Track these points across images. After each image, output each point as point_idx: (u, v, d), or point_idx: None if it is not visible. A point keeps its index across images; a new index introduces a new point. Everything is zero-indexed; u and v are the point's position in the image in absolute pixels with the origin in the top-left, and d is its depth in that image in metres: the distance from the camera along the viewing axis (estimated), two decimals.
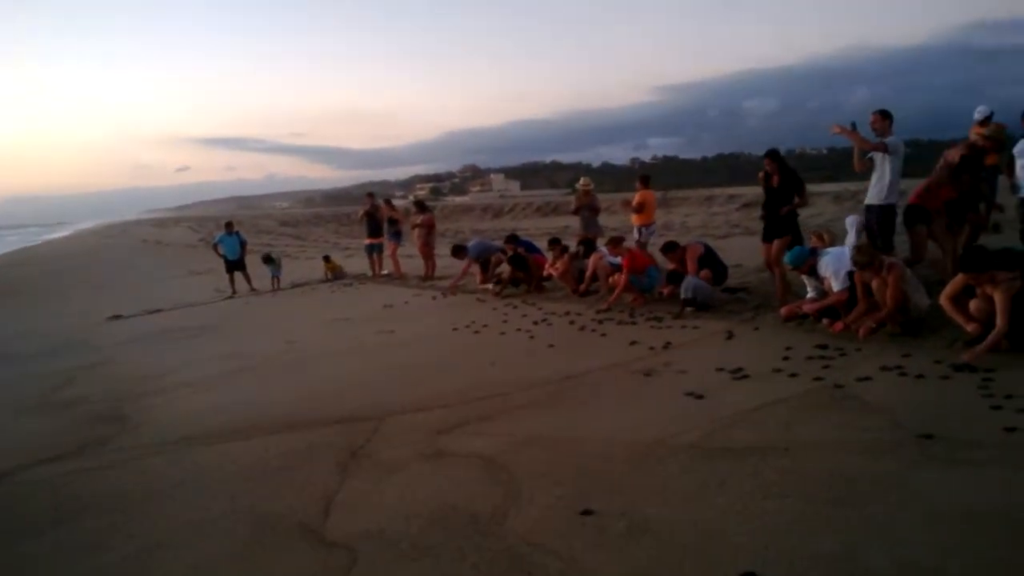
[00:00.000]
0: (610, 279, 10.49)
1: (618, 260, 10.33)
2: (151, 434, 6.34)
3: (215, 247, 17.91)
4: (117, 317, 14.72)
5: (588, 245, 11.72)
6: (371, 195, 17.35)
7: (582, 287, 11.15)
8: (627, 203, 13.66)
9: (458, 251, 13.91)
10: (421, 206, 17.01)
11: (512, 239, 13.08)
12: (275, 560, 3.78)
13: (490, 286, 12.70)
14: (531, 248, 12.89)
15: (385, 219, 16.36)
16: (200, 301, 16.15)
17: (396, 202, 21.22)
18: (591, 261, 11.01)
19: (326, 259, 18.59)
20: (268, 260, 17.60)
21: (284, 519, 4.24)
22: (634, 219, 13.48)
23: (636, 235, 13.36)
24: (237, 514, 4.41)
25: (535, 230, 26.52)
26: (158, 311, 15.07)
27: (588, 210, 13.78)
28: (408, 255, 17.11)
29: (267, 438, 5.82)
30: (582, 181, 14.25)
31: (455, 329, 9.66)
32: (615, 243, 10.45)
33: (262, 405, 6.92)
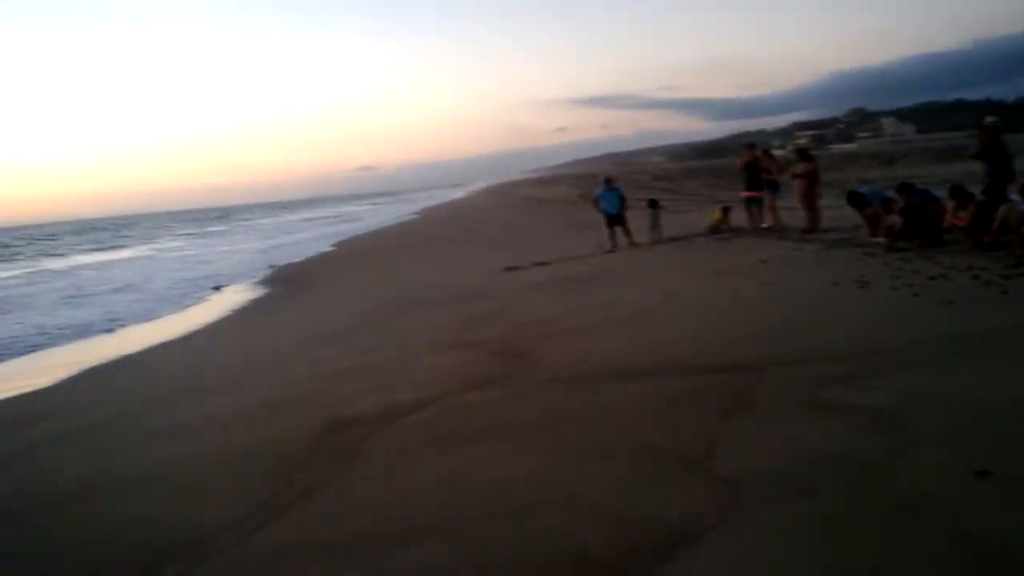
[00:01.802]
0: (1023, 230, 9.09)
1: None
2: (549, 372, 7.00)
3: (595, 202, 18.64)
4: (511, 269, 16.06)
5: (995, 192, 10.27)
6: (750, 146, 16.83)
7: (987, 239, 9.97)
8: None
9: (856, 199, 12.94)
10: (804, 154, 16.13)
11: (905, 187, 11.92)
12: (658, 489, 4.08)
13: (880, 240, 11.71)
14: (928, 197, 11.58)
15: (764, 171, 15.76)
16: (582, 254, 17.02)
17: (774, 152, 20.25)
18: (1000, 210, 9.69)
19: (725, 209, 18.05)
20: (653, 205, 17.92)
21: (668, 453, 4.55)
22: None
23: None
24: (623, 444, 4.82)
25: (933, 178, 23.74)
26: (545, 263, 16.17)
27: (994, 153, 11.90)
28: (787, 208, 16.34)
29: (652, 380, 6.18)
30: (989, 119, 12.39)
31: (836, 284, 9.18)
32: None
33: (646, 350, 7.32)
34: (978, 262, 9.18)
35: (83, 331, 15.32)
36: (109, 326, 15.74)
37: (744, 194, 16.47)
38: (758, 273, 10.85)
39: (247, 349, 11.55)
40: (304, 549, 4.00)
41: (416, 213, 59.18)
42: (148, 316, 16.88)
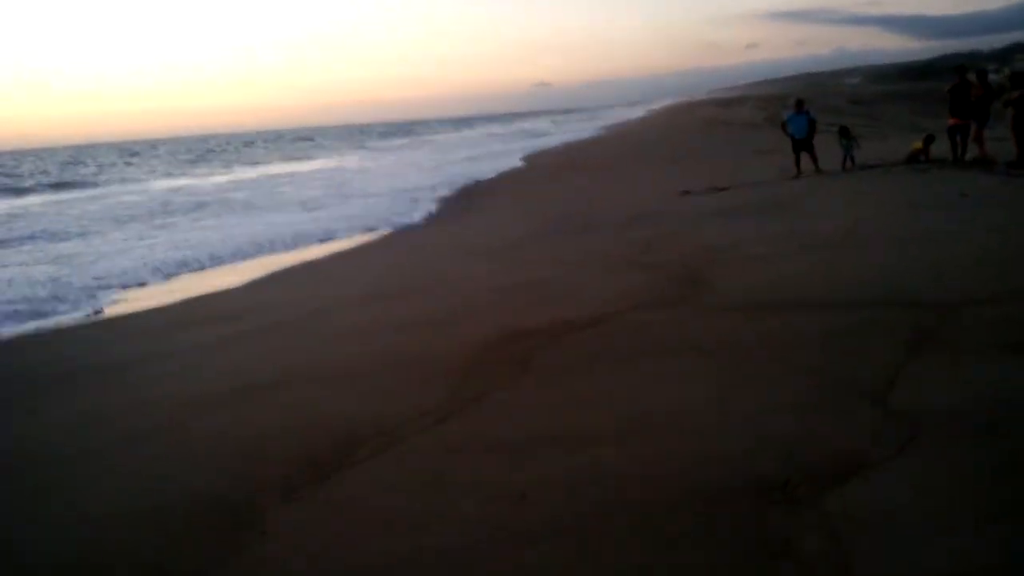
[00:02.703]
0: None
1: None
2: (725, 298, 7.01)
3: (783, 125, 17.93)
4: (687, 193, 15.87)
5: None
6: (961, 68, 15.48)
7: None
8: None
9: None
10: (1018, 79, 14.62)
11: None
12: (834, 418, 4.11)
13: None
14: None
15: (975, 97, 14.50)
16: (764, 180, 16.52)
17: (990, 77, 18.46)
18: None
19: (928, 138, 16.46)
20: (844, 134, 17.03)
21: (846, 384, 4.52)
22: None
23: None
24: (799, 372, 4.85)
25: None
26: (724, 189, 15.83)
27: None
28: (997, 138, 15.03)
29: (832, 312, 6.08)
30: None
31: None
32: None
33: (826, 282, 7.17)
34: None
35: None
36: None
37: (950, 122, 15.26)
38: (955, 208, 10.24)
39: (426, 261, 12.28)
40: (480, 442, 4.36)
41: (595, 132, 58.91)
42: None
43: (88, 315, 10.21)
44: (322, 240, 15.76)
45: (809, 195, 13.71)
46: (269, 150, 75.91)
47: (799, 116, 17.08)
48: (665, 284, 7.81)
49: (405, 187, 25.95)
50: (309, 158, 57.98)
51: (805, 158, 16.82)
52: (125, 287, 11.95)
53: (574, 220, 14.16)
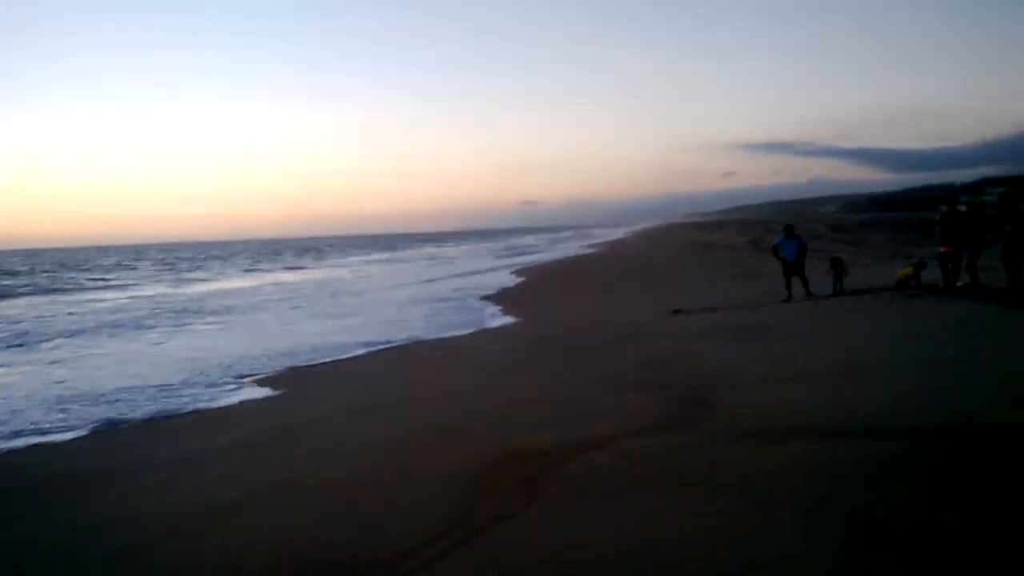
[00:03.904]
0: None
1: None
2: (732, 422, 6.69)
3: (774, 249, 18.09)
4: (679, 312, 15.81)
5: None
6: (951, 197, 15.79)
7: None
8: None
9: None
10: (1010, 211, 14.84)
11: None
12: (880, 566, 3.69)
13: None
14: None
15: (964, 226, 14.67)
16: (754, 303, 16.49)
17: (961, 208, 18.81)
18: None
19: (919, 265, 16.66)
20: (836, 265, 17.11)
21: (886, 525, 4.13)
22: None
23: None
24: (827, 509, 4.44)
25: None
26: (715, 310, 15.78)
27: None
28: (988, 268, 15.13)
29: (846, 442, 5.74)
30: None
31: None
32: None
33: (834, 408, 6.86)
34: None
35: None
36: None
37: (942, 249, 15.41)
38: (955, 336, 10.08)
39: (424, 374, 11.92)
40: None
41: (583, 250, 59.76)
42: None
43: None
44: (315, 349, 15.31)
45: (803, 319, 13.60)
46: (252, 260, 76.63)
47: (790, 241, 17.30)
48: (668, 406, 7.51)
49: (402, 299, 25.78)
50: (303, 267, 58.29)
51: (796, 282, 16.89)
52: None
53: (572, 336, 14.00)
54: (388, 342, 15.77)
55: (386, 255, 79.95)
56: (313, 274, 48.94)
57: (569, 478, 5.48)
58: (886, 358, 9.04)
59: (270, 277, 47.54)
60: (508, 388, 9.29)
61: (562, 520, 4.73)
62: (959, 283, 14.99)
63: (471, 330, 17.06)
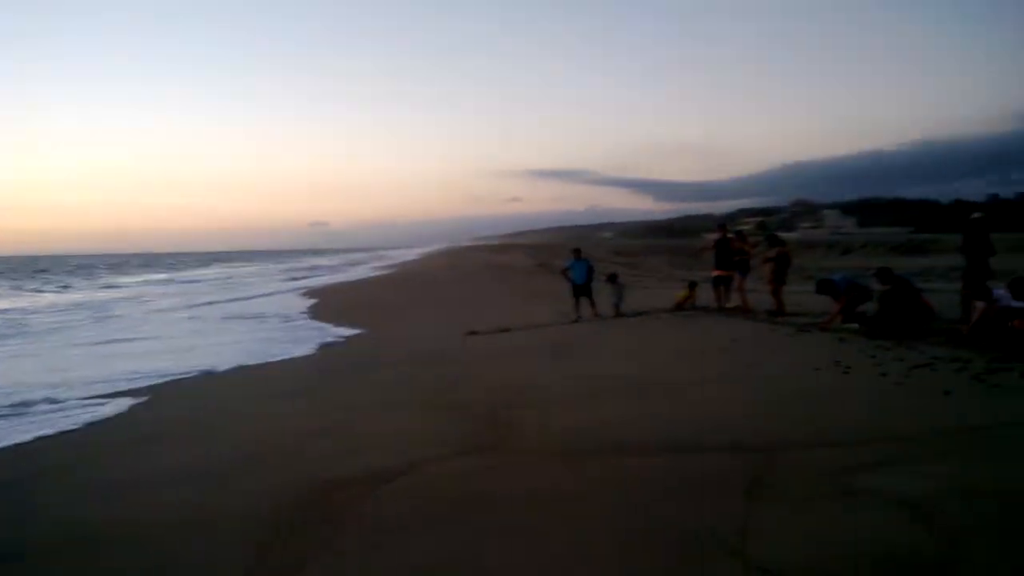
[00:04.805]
0: (1014, 323, 9.19)
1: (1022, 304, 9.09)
2: (536, 442, 6.65)
3: (564, 271, 18.56)
4: (473, 333, 15.76)
5: (975, 285, 10.56)
6: (723, 226, 17.05)
7: (965, 328, 10.14)
8: None
9: (826, 286, 13.05)
10: (774, 239, 16.36)
11: (884, 273, 11.99)
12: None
13: (852, 325, 11.77)
14: (907, 285, 11.69)
15: (736, 251, 15.91)
16: (545, 323, 16.82)
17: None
18: (979, 306, 9.95)
19: (692, 285, 18.19)
20: (613, 280, 17.86)
21: (701, 537, 4.20)
22: None
23: None
24: (641, 525, 4.48)
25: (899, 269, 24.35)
26: (507, 330, 15.89)
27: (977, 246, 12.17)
28: (752, 289, 16.48)
29: (655, 456, 5.89)
30: (975, 215, 12.73)
31: (817, 369, 9.03)
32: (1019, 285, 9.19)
33: (640, 425, 7.01)
34: (963, 353, 9.09)
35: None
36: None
37: (714, 273, 16.56)
38: (734, 352, 10.75)
39: (208, 404, 10.92)
40: None
41: (374, 271, 58.70)
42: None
43: None
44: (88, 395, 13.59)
45: (594, 338, 14.02)
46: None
47: (580, 263, 17.80)
48: (474, 427, 7.38)
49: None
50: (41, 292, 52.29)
51: (584, 302, 17.41)
52: None
53: (368, 358, 13.46)
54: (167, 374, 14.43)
55: (163, 275, 74.41)
56: (75, 296, 44.28)
57: (374, 509, 5.17)
58: (679, 376, 9.44)
59: (38, 299, 42.40)
60: (304, 415, 8.70)
61: (370, 555, 4.41)
62: (729, 304, 16.19)
63: (259, 361, 16.02)
